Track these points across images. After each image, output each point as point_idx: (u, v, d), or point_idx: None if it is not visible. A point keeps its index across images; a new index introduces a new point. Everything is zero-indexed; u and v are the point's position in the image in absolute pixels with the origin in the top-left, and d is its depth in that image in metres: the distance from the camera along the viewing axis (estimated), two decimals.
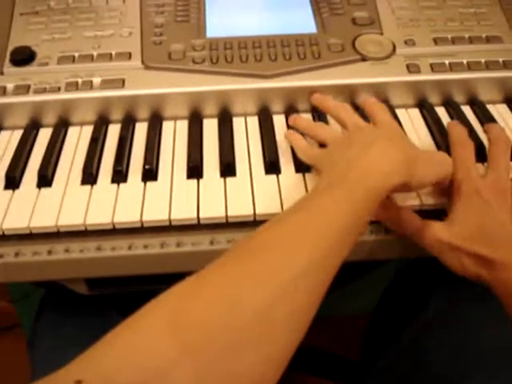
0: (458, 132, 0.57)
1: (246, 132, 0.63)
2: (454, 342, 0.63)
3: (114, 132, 0.64)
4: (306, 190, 0.56)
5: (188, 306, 0.36)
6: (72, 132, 0.64)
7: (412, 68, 0.65)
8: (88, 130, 0.64)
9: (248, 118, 0.65)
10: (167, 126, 0.64)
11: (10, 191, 0.57)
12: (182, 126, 0.64)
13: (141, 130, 0.64)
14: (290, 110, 0.65)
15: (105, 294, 0.63)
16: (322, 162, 0.53)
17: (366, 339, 0.83)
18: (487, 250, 0.49)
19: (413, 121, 0.64)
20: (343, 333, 1.20)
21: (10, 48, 0.68)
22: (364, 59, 0.66)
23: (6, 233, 0.53)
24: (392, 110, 0.65)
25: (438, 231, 0.51)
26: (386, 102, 0.65)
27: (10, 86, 0.65)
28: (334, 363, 1.04)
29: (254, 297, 0.36)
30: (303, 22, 0.70)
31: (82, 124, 0.65)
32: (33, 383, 0.33)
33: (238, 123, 0.64)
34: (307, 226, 0.42)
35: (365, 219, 0.46)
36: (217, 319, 0.35)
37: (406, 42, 0.68)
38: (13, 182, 0.58)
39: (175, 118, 0.65)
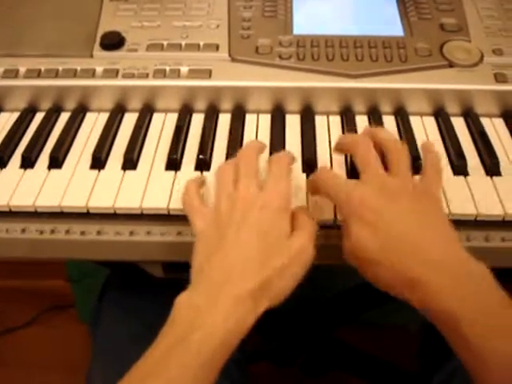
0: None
1: (328, 131, 0.63)
2: None
3: (197, 121, 0.64)
4: None
5: None
6: (157, 118, 0.65)
7: (500, 78, 0.64)
8: (172, 118, 0.65)
9: (330, 117, 0.65)
10: (250, 119, 0.65)
11: (96, 171, 0.59)
12: (265, 120, 0.65)
13: (224, 122, 0.64)
14: (372, 112, 0.65)
15: (179, 278, 0.64)
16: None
17: (423, 350, 0.82)
18: (401, 267, 0.43)
19: (497, 131, 0.64)
20: (399, 342, 1.18)
21: (100, 32, 0.69)
22: (451, 66, 0.65)
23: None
24: (476, 117, 0.64)
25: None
26: (470, 110, 0.65)
27: (99, 69, 0.66)
28: (390, 373, 1.03)
29: None
30: (390, 25, 0.69)
31: (166, 111, 0.66)
32: None
33: (320, 121, 0.64)
34: None
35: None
36: None
37: (493, 52, 0.67)
38: (130, 163, 0.59)
39: (258, 112, 0.65)
